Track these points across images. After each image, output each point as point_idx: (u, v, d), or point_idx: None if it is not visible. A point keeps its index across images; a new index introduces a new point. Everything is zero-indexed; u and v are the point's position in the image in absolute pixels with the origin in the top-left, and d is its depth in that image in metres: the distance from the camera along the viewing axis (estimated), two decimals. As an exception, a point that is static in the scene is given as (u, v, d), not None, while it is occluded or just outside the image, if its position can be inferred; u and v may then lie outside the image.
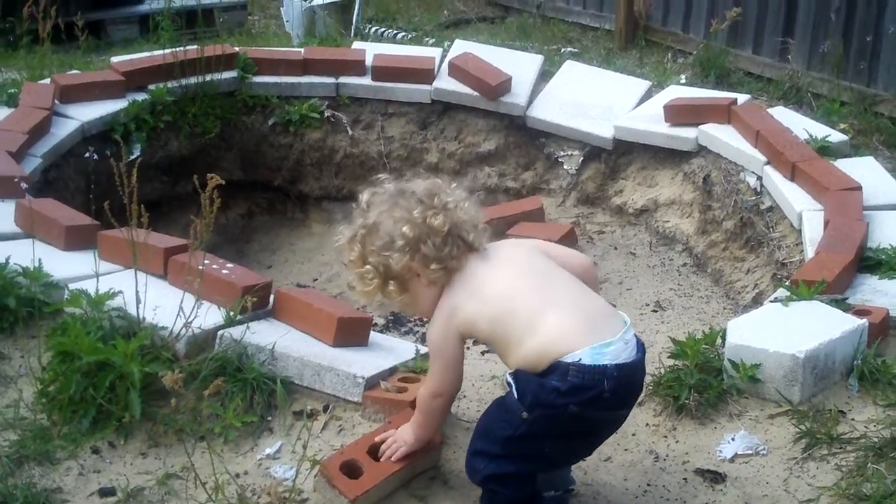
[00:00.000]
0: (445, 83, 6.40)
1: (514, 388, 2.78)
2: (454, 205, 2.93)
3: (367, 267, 2.91)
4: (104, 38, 8.86)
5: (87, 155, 4.16)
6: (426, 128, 6.46)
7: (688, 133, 5.82)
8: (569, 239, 5.66)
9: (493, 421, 2.89)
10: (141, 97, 5.89)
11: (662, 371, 3.68)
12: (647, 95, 6.41)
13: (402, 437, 3.06)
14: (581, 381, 2.69)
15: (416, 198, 2.91)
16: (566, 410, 2.72)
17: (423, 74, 6.45)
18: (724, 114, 5.80)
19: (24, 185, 4.09)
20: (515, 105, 6.29)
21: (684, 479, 3.26)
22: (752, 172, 5.39)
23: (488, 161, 6.39)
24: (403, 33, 8.75)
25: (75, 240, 4.27)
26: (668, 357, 3.70)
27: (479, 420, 3.01)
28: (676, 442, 3.44)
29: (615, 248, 5.74)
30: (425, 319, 4.45)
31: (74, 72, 6.29)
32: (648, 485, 3.24)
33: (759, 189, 5.31)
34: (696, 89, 6.42)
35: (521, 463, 2.85)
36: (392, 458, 3.04)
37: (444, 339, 2.91)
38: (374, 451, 3.10)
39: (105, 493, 3.12)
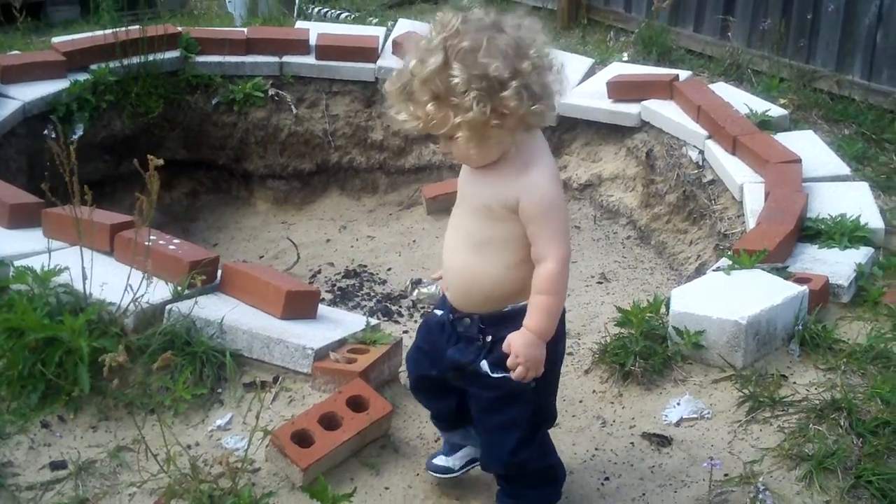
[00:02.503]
0: (390, 61, 6.40)
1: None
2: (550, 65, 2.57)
3: (456, 80, 2.43)
4: (44, 20, 8.78)
5: (45, 132, 4.12)
6: (371, 106, 6.47)
7: (630, 109, 5.88)
8: (514, 214, 5.69)
9: (506, 412, 2.74)
10: (83, 77, 5.83)
11: (608, 339, 3.73)
12: (590, 73, 6.46)
13: (531, 351, 2.59)
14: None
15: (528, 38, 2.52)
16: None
17: (368, 53, 6.45)
18: (666, 90, 5.87)
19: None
20: (460, 82, 6.28)
21: (631, 443, 3.31)
22: (694, 146, 5.46)
23: (433, 138, 6.38)
24: (347, 13, 8.72)
25: (19, 218, 4.24)
26: (615, 325, 3.75)
27: (485, 421, 2.82)
28: (623, 408, 3.49)
29: (560, 223, 5.77)
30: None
31: (14, 52, 6.21)
32: (596, 449, 3.29)
33: (700, 163, 5.38)
34: (638, 66, 6.48)
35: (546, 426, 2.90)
36: (539, 372, 2.62)
37: (560, 192, 2.61)
38: (325, 421, 3.12)
39: (56, 466, 3.12)
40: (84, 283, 3.48)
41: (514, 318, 2.63)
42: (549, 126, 6.00)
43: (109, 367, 2.51)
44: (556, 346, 2.71)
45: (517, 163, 2.57)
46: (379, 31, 6.87)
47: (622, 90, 5.97)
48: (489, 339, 2.70)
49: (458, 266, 2.71)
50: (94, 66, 5.92)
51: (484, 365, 2.70)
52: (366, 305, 5.00)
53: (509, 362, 2.59)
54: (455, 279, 2.74)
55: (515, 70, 2.45)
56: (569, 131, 6.15)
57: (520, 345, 2.58)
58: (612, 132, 5.98)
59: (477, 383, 2.74)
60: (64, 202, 3.59)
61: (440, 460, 3.10)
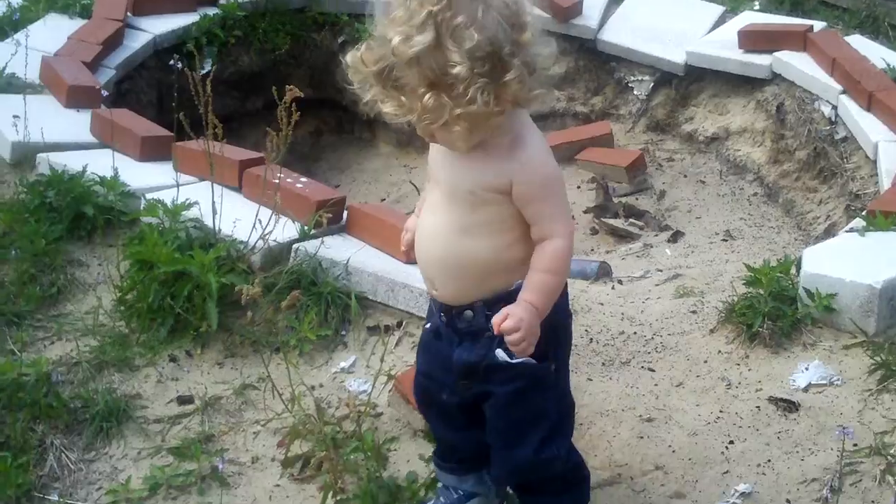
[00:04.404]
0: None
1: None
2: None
3: (456, 67, 2.06)
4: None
5: (171, 63, 4.15)
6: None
7: (762, 60, 5.71)
8: (638, 165, 5.62)
9: (531, 402, 2.44)
10: (212, 11, 5.88)
11: (735, 298, 3.65)
12: (721, 21, 6.29)
13: (533, 326, 2.25)
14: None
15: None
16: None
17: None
18: (799, 41, 5.68)
19: (105, 93, 4.10)
20: (586, 28, 6.20)
21: (757, 406, 3.24)
22: (827, 101, 5.29)
23: (557, 85, 6.32)
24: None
25: (150, 150, 4.31)
26: (742, 285, 3.67)
27: (506, 419, 2.47)
28: (749, 370, 3.42)
29: (684, 176, 5.68)
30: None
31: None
32: (721, 411, 3.23)
33: (833, 119, 5.22)
34: (770, 16, 6.29)
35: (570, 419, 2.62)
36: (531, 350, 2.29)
37: (556, 165, 2.31)
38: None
39: (183, 400, 3.18)
40: (214, 219, 3.52)
41: None
42: (676, 75, 5.94)
43: (245, 300, 2.52)
44: (565, 319, 2.48)
45: (505, 141, 2.23)
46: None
47: (754, 40, 5.80)
48: None
49: (441, 255, 2.34)
50: (223, 1, 5.96)
51: (500, 354, 2.34)
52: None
53: (512, 336, 2.22)
54: (441, 271, 2.36)
55: (516, 44, 2.10)
56: (696, 82, 6.01)
57: (522, 318, 2.22)
58: (742, 84, 5.82)
59: (495, 379, 2.39)
60: (183, 137, 3.62)
61: None
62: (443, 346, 2.45)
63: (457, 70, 2.05)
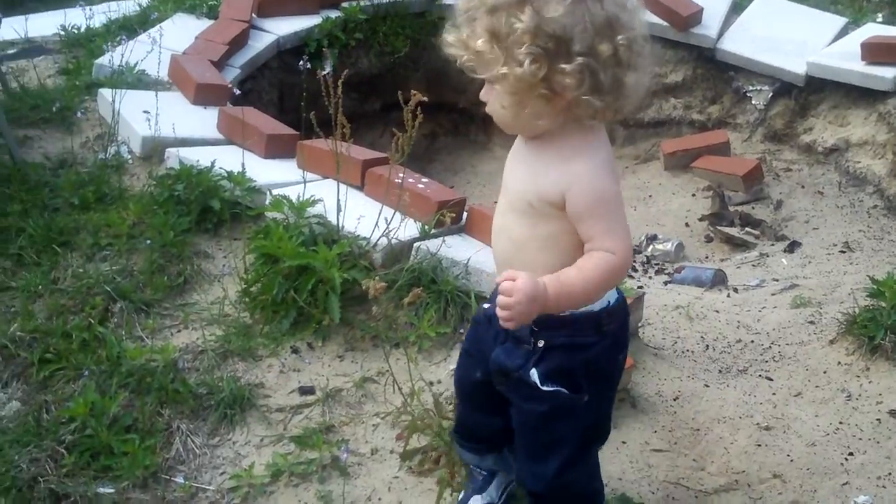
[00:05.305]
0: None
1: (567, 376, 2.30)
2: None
3: (519, 25, 2.05)
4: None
5: (300, 63, 4.25)
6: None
7: (885, 72, 5.62)
8: (755, 174, 5.58)
9: (553, 428, 2.38)
10: (334, 14, 5.98)
11: (857, 310, 3.61)
12: (843, 32, 6.21)
13: (529, 306, 2.11)
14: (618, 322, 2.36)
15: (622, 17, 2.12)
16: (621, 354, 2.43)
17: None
18: (924, 53, 5.60)
19: (237, 92, 4.21)
20: (706, 37, 6.18)
21: (878, 419, 3.21)
22: (954, 116, 5.21)
23: (674, 92, 6.31)
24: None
25: (274, 148, 4.39)
26: (866, 297, 3.62)
27: (528, 437, 2.44)
28: (870, 382, 3.38)
29: (802, 187, 5.62)
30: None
31: (270, -14, 6.41)
32: (840, 423, 3.20)
33: (959, 133, 5.13)
34: (893, 28, 6.19)
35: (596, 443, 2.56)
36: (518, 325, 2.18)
37: (613, 185, 2.20)
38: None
39: (305, 391, 3.25)
40: (338, 216, 3.59)
41: (573, 326, 2.27)
42: (795, 86, 5.88)
43: (373, 295, 2.57)
44: (616, 355, 2.39)
45: (564, 150, 2.18)
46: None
47: (878, 52, 5.70)
48: (541, 344, 2.30)
49: (502, 259, 2.36)
50: (345, 4, 6.06)
51: (533, 374, 2.30)
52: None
53: (501, 300, 2.11)
54: (500, 266, 2.36)
55: (591, 48, 2.05)
56: (816, 92, 5.94)
57: (524, 293, 2.09)
58: (864, 95, 5.73)
59: (522, 393, 2.36)
60: (310, 135, 3.69)
61: (477, 501, 2.74)
62: (489, 334, 2.42)
63: (521, 27, 2.03)
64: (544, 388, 2.30)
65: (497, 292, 2.16)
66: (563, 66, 2.05)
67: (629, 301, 3.42)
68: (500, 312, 2.12)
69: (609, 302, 2.29)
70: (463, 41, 2.13)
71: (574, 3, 2.04)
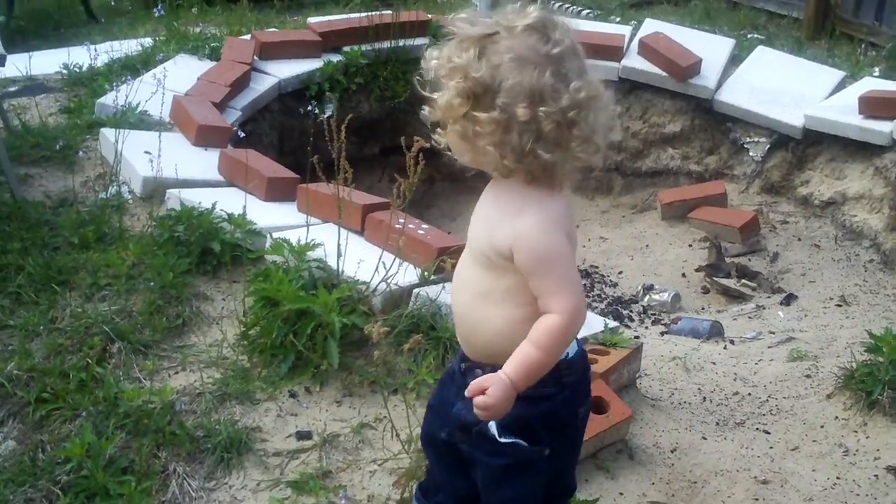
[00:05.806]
0: (634, 62, 6.37)
1: (525, 428, 2.30)
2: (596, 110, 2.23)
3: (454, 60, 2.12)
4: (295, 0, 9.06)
5: (308, 108, 4.27)
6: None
7: (882, 126, 5.66)
8: (751, 226, 5.61)
9: (516, 483, 2.37)
10: (336, 58, 6.02)
11: (854, 365, 3.62)
12: (840, 86, 6.26)
13: (505, 402, 2.16)
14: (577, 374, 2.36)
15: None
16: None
17: (612, 51, 6.40)
18: (921, 109, 5.64)
19: (241, 134, 4.22)
20: (704, 88, 6.22)
21: (875, 475, 3.21)
22: (950, 172, 5.24)
23: (672, 143, 6.34)
24: (588, 10, 8.71)
25: (275, 191, 4.41)
26: (863, 352, 3.63)
27: (492, 494, 2.41)
28: (867, 437, 3.38)
29: (799, 239, 5.65)
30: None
31: (272, 29, 6.45)
32: (838, 478, 3.20)
33: (956, 189, 5.16)
34: (891, 83, 6.24)
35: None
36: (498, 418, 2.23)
37: (558, 241, 2.17)
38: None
39: (302, 436, 3.24)
40: (338, 260, 3.59)
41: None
42: (793, 138, 5.91)
43: (374, 339, 2.57)
44: (576, 407, 2.37)
45: (516, 202, 2.18)
46: (625, 30, 6.83)
47: (875, 106, 5.75)
48: None
49: (461, 311, 2.34)
50: (346, 48, 6.10)
51: (492, 426, 2.28)
52: (596, 307, 4.99)
53: (478, 400, 2.14)
54: (460, 324, 2.36)
55: (509, 107, 2.09)
56: (813, 145, 5.98)
57: (497, 389, 2.14)
58: (860, 149, 5.77)
59: (483, 448, 2.33)
60: (314, 178, 3.70)
61: None
62: (451, 389, 2.41)
63: (459, 63, 2.10)
64: (502, 441, 2.29)
65: (460, 352, 2.29)
66: (480, 113, 2.09)
67: (627, 352, 3.44)
68: (479, 413, 2.16)
69: (568, 354, 2.28)
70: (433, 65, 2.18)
71: (515, 62, 2.09)
